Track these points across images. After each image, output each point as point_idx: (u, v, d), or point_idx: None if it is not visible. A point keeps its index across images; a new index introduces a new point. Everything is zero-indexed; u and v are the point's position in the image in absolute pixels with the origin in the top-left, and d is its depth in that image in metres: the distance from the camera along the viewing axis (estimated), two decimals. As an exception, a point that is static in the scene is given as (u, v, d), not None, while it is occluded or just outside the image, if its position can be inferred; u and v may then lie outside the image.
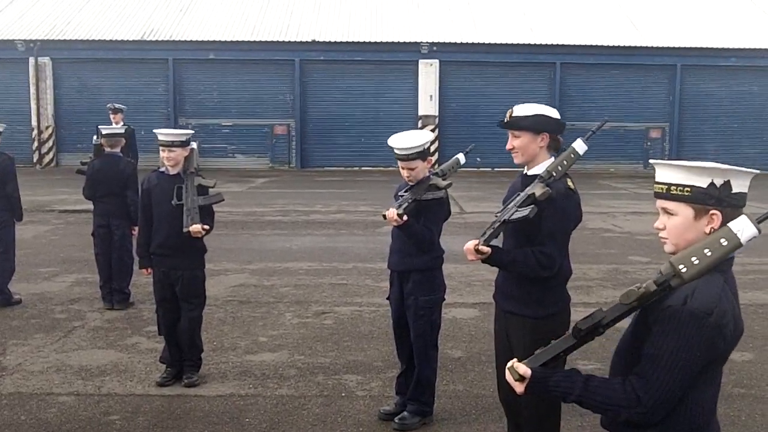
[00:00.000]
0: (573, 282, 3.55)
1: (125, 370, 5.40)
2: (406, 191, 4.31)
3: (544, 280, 3.30)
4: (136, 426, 4.43)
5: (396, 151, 4.24)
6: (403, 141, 4.21)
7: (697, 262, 1.94)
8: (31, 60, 22.44)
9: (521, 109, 3.38)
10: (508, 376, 2.08)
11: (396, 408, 4.52)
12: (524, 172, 3.46)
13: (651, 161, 2.26)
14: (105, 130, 7.40)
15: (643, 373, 1.95)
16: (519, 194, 3.28)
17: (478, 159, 21.99)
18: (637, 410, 1.94)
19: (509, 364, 2.09)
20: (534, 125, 3.33)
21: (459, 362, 5.59)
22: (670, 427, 1.99)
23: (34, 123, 22.62)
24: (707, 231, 2.01)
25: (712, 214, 2.00)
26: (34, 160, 22.52)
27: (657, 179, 2.09)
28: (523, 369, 2.05)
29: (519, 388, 2.07)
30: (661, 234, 2.10)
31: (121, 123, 11.90)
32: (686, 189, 2.01)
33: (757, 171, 2.11)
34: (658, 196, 2.09)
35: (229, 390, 5.01)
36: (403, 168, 4.27)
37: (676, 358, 1.91)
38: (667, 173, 2.06)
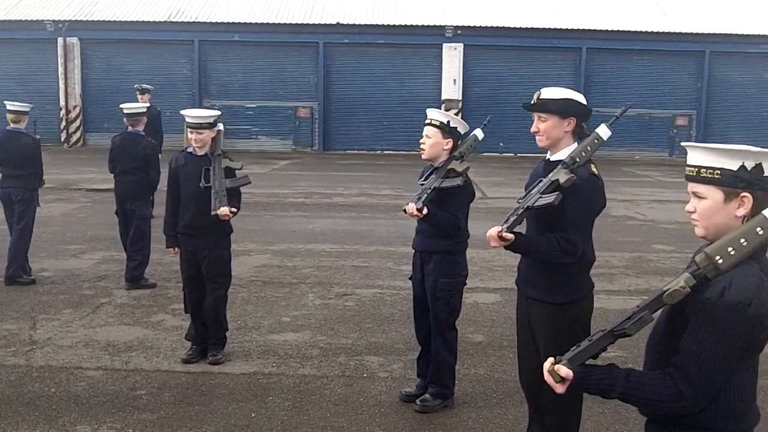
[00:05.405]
0: (596, 269, 3.55)
1: (151, 346, 5.51)
2: (425, 179, 4.33)
3: (568, 267, 3.29)
4: (162, 401, 4.54)
5: (428, 116, 4.42)
6: (436, 110, 4.51)
7: (733, 252, 1.91)
8: (60, 40, 22.67)
9: (549, 92, 3.34)
10: (548, 378, 2.05)
11: (417, 390, 4.57)
12: (547, 158, 3.44)
13: (683, 144, 2.23)
14: (126, 109, 7.46)
15: (684, 366, 1.94)
16: (542, 180, 3.25)
17: (501, 144, 21.90)
18: (679, 404, 1.94)
19: (548, 367, 2.06)
20: (562, 109, 3.30)
21: (480, 347, 5.63)
22: (711, 414, 1.98)
23: (62, 102, 22.90)
24: (738, 214, 1.99)
25: (743, 197, 1.98)
26: (62, 139, 22.82)
27: (688, 162, 2.06)
28: (565, 371, 2.02)
29: (560, 389, 2.04)
30: (692, 217, 2.09)
31: (148, 104, 11.99)
32: (716, 172, 1.99)
33: None
34: (689, 179, 2.06)
35: (253, 368, 5.10)
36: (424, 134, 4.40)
37: (716, 351, 1.90)
38: (697, 156, 2.04)
